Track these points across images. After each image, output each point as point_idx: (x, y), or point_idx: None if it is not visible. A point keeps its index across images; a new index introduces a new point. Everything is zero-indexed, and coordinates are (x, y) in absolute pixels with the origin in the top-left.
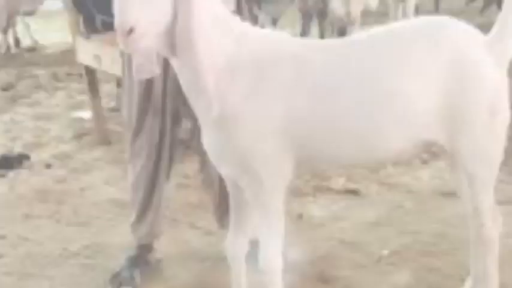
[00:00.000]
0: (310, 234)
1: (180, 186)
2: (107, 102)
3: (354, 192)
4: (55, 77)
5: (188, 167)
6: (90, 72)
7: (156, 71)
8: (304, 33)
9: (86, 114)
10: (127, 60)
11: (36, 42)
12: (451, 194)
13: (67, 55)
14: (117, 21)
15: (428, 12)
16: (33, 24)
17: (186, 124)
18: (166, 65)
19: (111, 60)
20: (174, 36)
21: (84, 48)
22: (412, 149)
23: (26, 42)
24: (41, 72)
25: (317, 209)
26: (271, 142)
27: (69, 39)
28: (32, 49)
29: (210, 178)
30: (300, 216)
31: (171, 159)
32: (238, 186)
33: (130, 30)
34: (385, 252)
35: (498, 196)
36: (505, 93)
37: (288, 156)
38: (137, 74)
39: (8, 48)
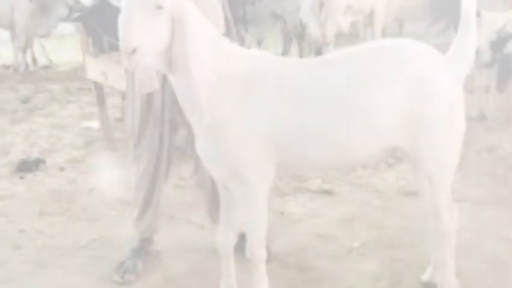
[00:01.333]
0: (290, 229)
1: (176, 187)
2: (112, 113)
3: (328, 192)
4: (67, 91)
5: (184, 169)
6: (98, 87)
7: (156, 85)
8: (285, 52)
9: (95, 123)
10: (130, 76)
11: (51, 61)
12: (413, 193)
13: (78, 72)
14: (121, 43)
15: (393, 35)
16: (48, 45)
17: (182, 132)
18: (164, 81)
19: (116, 76)
20: (171, 56)
21: (93, 66)
22: (379, 154)
23: (42, 61)
24: (55, 87)
25: (296, 206)
26: (256, 148)
27: (80, 58)
28: (47, 67)
29: (203, 179)
30: (282, 213)
31: (168, 163)
32: (227, 186)
33: (133, 51)
34: (356, 244)
35: (454, 195)
36: (460, 105)
37: (271, 161)
38: (139, 89)
39: (27, 66)
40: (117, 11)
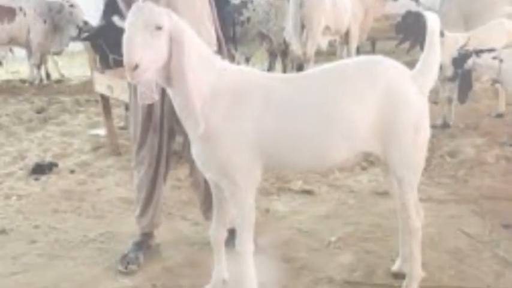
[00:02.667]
0: (275, 225)
1: (174, 187)
2: (117, 122)
3: (309, 192)
4: (77, 102)
5: (180, 172)
6: (105, 99)
7: (156, 97)
8: (270, 68)
9: (101, 131)
10: (133, 89)
11: (62, 75)
12: (384, 193)
13: (87, 85)
14: (125, 59)
15: (366, 52)
16: (60, 61)
17: (179, 139)
18: (163, 93)
19: (120, 89)
20: (169, 71)
21: (100, 80)
22: (354, 158)
23: (54, 75)
24: (66, 99)
25: (280, 205)
26: (244, 153)
27: (88, 73)
28: (59, 81)
29: (197, 181)
30: (267, 211)
31: (167, 166)
32: (219, 187)
33: (136, 66)
34: (333, 238)
35: (421, 195)
36: (426, 115)
37: (258, 164)
38: (141, 100)
39: (41, 80)
40: (121, 31)
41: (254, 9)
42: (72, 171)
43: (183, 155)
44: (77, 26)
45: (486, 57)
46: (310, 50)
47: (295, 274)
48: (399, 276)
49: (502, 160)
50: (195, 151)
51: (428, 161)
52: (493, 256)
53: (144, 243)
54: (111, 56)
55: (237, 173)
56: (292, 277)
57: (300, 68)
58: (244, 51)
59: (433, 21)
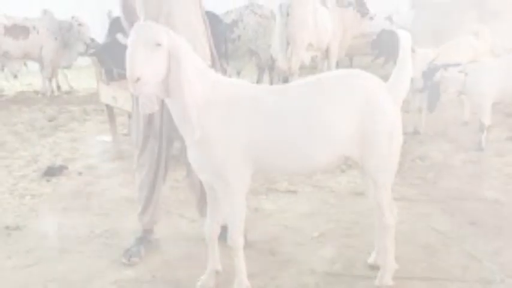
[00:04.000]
0: (263, 222)
1: (172, 188)
2: (121, 130)
3: (294, 192)
4: (85, 111)
5: (178, 174)
6: (110, 108)
7: (156, 107)
8: (259, 81)
9: (107, 137)
10: (135, 100)
11: (71, 87)
12: (361, 194)
13: (93, 96)
14: (128, 73)
15: (345, 67)
16: (70, 74)
17: (176, 144)
18: (162, 103)
19: (124, 100)
20: (168, 84)
21: (105, 92)
22: (334, 162)
23: (64, 87)
24: (75, 108)
25: (268, 204)
26: (236, 157)
27: (95, 85)
28: (68, 92)
29: (193, 182)
30: (256, 209)
31: (166, 169)
32: (213, 187)
33: (137, 79)
34: (316, 234)
35: (394, 194)
36: (399, 123)
37: (248, 168)
38: (142, 110)
39: (52, 91)
40: (124, 47)
41: (244, 28)
42: (80, 173)
43: (181, 158)
44: (85, 42)
45: (453, 71)
46: (295, 65)
47: (281, 266)
48: (375, 268)
49: (467, 164)
50: (191, 155)
51: (401, 164)
52: (461, 250)
53: (145, 238)
54: (115, 70)
55: (230, 175)
56: (279, 269)
57: (285, 80)
58: (235, 66)
59: (405, 39)
